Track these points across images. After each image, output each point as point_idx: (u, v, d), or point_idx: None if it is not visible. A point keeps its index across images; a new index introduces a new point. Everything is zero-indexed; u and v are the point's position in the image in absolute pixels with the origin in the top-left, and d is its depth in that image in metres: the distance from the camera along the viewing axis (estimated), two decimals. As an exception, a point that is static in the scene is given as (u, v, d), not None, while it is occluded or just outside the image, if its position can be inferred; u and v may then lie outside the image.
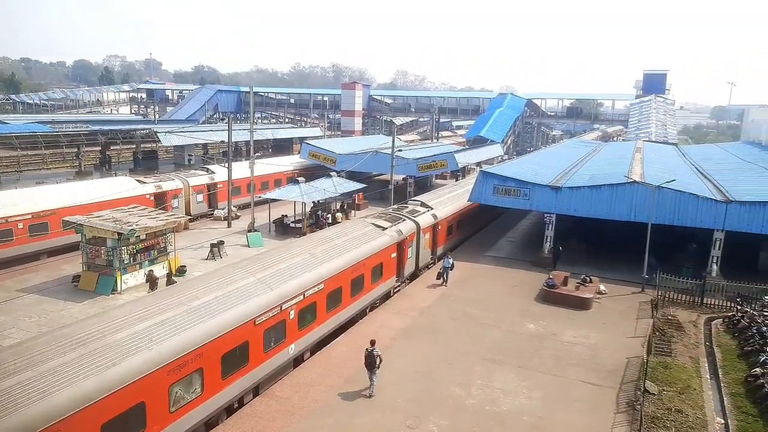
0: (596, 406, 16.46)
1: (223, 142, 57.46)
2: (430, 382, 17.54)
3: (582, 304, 24.57)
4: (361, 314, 22.98)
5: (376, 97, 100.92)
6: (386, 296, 25.40)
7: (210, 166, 44.99)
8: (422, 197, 34.74)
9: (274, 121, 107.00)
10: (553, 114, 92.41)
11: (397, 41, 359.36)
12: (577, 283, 26.06)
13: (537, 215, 39.76)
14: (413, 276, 28.43)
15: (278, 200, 39.15)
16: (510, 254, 33.93)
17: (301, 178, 39.92)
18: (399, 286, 26.79)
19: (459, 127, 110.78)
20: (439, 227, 31.39)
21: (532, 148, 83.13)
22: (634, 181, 28.81)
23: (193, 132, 64.79)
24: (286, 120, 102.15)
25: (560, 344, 20.84)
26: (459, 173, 58.43)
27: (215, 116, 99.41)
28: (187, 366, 13.69)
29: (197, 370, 14.08)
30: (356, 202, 45.40)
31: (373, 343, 16.63)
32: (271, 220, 38.27)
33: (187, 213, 38.60)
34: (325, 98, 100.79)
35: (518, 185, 31.79)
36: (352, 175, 44.72)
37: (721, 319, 24.15)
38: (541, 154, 55.62)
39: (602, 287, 26.40)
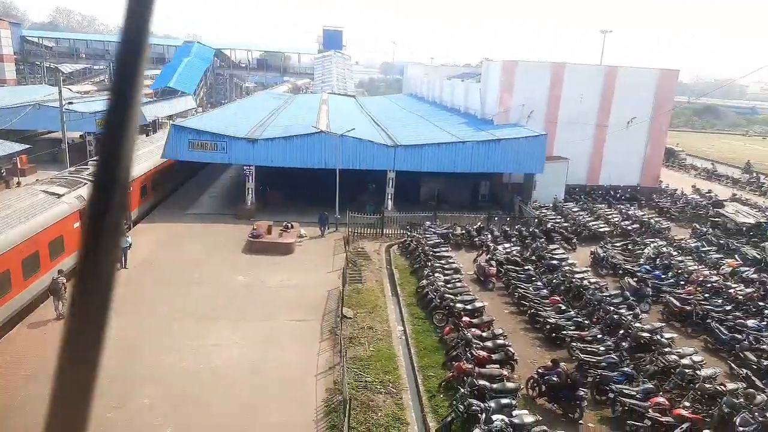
0: (305, 339, 18.03)
1: None
2: (138, 356, 16.39)
3: (286, 250, 26.12)
4: (44, 296, 19.69)
5: (31, 38, 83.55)
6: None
7: None
8: (106, 157, 30.88)
9: None
10: (244, 66, 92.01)
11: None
12: (280, 230, 27.47)
13: (238, 168, 39.84)
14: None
15: None
16: (213, 210, 33.40)
17: (-72, 141, 30.85)
18: (88, 258, 23.71)
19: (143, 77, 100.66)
20: (131, 189, 28.61)
21: (227, 100, 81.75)
22: (321, 131, 31.33)
23: None
24: None
25: (269, 290, 21.88)
26: (149, 128, 53.69)
27: None
28: None
29: None
30: (19, 166, 37.64)
31: (60, 272, 18.85)
32: None
33: None
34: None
35: (214, 139, 31.12)
36: (7, 135, 36.73)
37: (397, 245, 28.85)
38: (236, 106, 55.30)
39: (302, 231, 28.44)
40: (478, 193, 37.76)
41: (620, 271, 25.04)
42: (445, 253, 25.88)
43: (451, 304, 19.67)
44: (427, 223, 30.18)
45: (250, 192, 32.10)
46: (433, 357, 17.31)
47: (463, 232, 29.33)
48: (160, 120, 55.03)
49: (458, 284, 21.97)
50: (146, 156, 32.74)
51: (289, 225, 28.07)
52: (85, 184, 24.23)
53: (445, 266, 23.87)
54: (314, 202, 32.34)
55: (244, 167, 32.14)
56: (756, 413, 13.57)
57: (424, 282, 22.21)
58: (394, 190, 32.67)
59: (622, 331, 18.39)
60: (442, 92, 54.38)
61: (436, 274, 22.41)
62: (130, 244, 23.63)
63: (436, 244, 27.07)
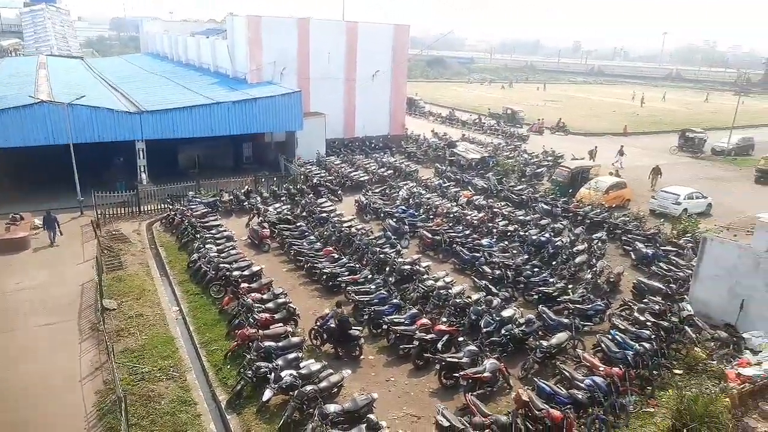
0: (60, 343, 15.68)
1: None
2: None
3: (18, 246, 21.99)
4: None
5: None
6: None
7: None
8: None
9: None
10: None
11: None
12: (6, 223, 22.95)
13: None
14: None
15: None
16: None
17: None
18: None
19: None
20: None
21: None
22: (42, 101, 26.51)
23: None
24: None
25: (2, 297, 18.27)
26: None
27: None
28: None
29: None
30: None
31: None
32: None
33: None
34: None
35: None
36: None
37: (159, 222, 26.62)
38: None
39: (37, 221, 24.15)
40: (242, 156, 36.83)
41: (381, 215, 27.37)
42: (215, 222, 24.91)
43: (227, 273, 19.16)
44: (191, 193, 28.46)
45: (-46, 183, 25.86)
46: (215, 330, 16.76)
47: (231, 197, 28.46)
48: None
49: (232, 252, 21.41)
50: None
51: (18, 216, 23.57)
52: None
53: (216, 236, 22.99)
54: (49, 185, 27.64)
55: (-61, 153, 25.63)
56: (494, 314, 16.52)
57: (196, 255, 21.13)
58: (146, 161, 29.73)
59: (388, 268, 20.32)
60: (187, 50, 50.57)
61: (208, 246, 21.44)
62: None
63: (204, 214, 25.84)
